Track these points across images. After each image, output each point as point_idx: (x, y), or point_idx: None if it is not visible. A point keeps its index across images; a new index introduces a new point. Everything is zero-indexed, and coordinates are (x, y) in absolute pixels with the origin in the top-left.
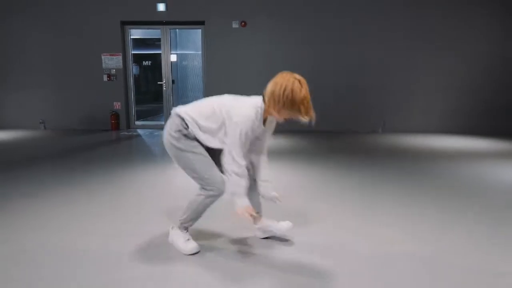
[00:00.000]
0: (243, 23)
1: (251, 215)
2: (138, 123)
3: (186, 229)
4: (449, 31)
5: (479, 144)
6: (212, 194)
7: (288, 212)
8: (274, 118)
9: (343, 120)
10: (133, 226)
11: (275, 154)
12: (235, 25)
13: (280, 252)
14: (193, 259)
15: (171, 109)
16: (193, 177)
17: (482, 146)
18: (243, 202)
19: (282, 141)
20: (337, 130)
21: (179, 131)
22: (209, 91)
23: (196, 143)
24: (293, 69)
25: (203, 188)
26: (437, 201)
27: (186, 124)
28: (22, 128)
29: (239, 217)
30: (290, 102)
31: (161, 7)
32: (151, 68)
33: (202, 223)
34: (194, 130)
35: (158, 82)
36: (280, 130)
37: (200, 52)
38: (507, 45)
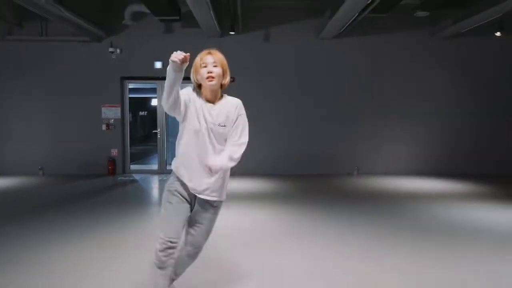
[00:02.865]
0: (231, 79)
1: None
2: (133, 167)
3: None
4: (412, 91)
5: (443, 185)
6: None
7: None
8: (204, 84)
9: (322, 165)
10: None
11: (267, 197)
12: None
13: None
14: None
15: (164, 153)
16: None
17: (445, 187)
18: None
19: (273, 185)
20: (317, 173)
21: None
22: None
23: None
24: (276, 117)
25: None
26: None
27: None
28: (21, 174)
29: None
30: (194, 66)
31: (158, 64)
32: (141, 114)
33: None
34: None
35: (153, 131)
36: (266, 173)
37: None
38: (459, 100)
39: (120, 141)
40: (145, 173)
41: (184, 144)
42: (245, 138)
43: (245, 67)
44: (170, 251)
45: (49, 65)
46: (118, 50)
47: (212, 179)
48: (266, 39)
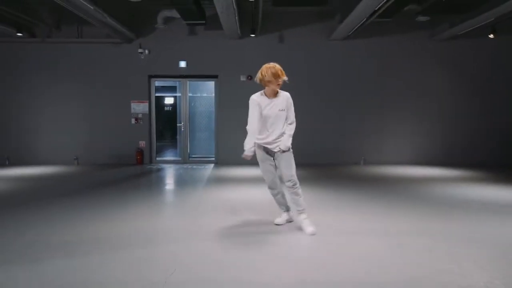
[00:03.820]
0: (249, 77)
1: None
2: (158, 158)
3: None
4: (412, 89)
5: (441, 171)
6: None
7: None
8: (272, 88)
9: (331, 155)
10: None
11: None
12: (242, 78)
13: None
14: None
15: (187, 146)
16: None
17: (444, 173)
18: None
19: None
20: (326, 162)
21: None
22: (221, 128)
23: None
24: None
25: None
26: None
27: None
28: (57, 164)
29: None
30: (272, 74)
31: (182, 64)
32: (165, 111)
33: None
34: None
35: (178, 124)
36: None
37: (208, 95)
38: (457, 97)
39: (147, 134)
40: (170, 163)
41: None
42: (294, 118)
43: (261, 66)
44: (273, 191)
45: (84, 64)
46: (146, 51)
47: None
48: (280, 41)
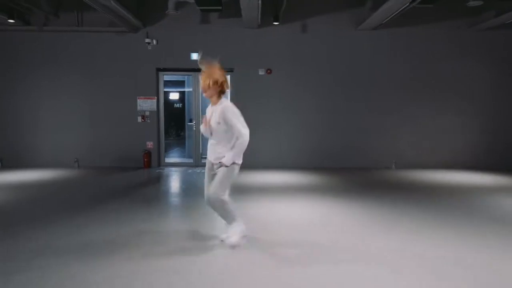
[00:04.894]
0: (268, 71)
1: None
2: (167, 160)
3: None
4: (452, 82)
5: (485, 178)
6: None
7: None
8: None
9: (358, 158)
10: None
11: (317, 190)
12: (261, 72)
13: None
14: None
15: (199, 145)
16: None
17: (489, 180)
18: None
19: (315, 178)
20: (354, 166)
21: None
22: None
23: None
24: (312, 109)
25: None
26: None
27: None
28: (57, 166)
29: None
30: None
31: (194, 56)
32: (171, 108)
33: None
34: None
35: (188, 123)
36: (302, 166)
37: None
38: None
39: (155, 134)
40: (180, 166)
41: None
42: (240, 130)
43: (282, 58)
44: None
45: (85, 56)
46: (154, 41)
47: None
48: (303, 31)
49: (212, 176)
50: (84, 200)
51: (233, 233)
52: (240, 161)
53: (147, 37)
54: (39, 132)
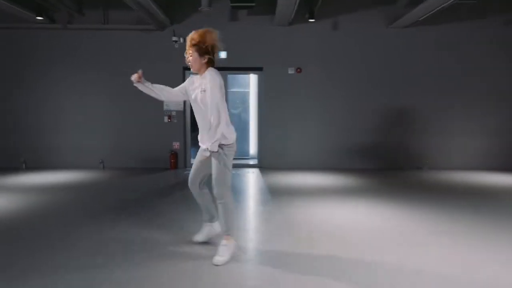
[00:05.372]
0: (298, 70)
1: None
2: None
3: None
4: (482, 78)
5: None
6: None
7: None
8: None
9: (389, 158)
10: None
11: (358, 192)
12: (290, 71)
13: None
14: None
15: None
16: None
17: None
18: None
19: (347, 180)
20: (385, 167)
21: None
22: (265, 128)
23: None
24: (342, 108)
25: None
26: None
27: None
28: (81, 168)
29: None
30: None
31: (222, 54)
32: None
33: None
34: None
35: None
36: (332, 167)
37: (239, 90)
38: None
39: (181, 134)
40: None
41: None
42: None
43: (312, 56)
44: (191, 189)
45: (109, 54)
46: (181, 39)
47: None
48: (334, 28)
49: (203, 160)
50: (124, 201)
51: (223, 252)
52: (228, 141)
53: (174, 35)
54: (62, 132)
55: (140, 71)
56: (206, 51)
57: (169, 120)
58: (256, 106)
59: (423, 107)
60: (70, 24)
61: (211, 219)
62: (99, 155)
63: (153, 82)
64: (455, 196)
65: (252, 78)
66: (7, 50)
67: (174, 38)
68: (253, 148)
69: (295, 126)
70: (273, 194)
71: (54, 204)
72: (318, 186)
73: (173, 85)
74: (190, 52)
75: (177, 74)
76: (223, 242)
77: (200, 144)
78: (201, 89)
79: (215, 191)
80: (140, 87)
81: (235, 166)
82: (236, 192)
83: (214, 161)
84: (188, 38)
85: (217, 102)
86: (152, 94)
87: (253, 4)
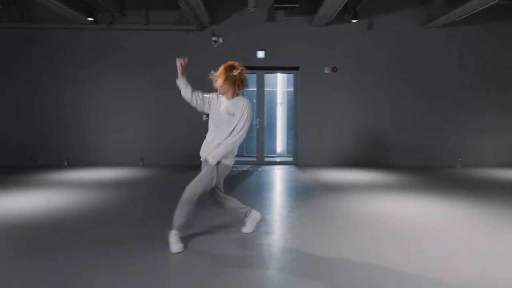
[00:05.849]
0: (334, 69)
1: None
2: None
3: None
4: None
5: None
6: None
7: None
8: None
9: (422, 156)
10: None
11: (405, 189)
12: (326, 70)
13: None
14: None
15: (263, 144)
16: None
17: None
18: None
19: (387, 177)
20: (418, 165)
21: None
22: (302, 126)
23: None
24: (377, 107)
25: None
26: None
27: None
28: (121, 165)
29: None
30: None
31: (260, 54)
32: None
33: None
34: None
35: (253, 121)
36: (366, 164)
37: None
38: None
39: None
40: (243, 164)
41: None
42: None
43: (348, 56)
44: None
45: (149, 54)
46: (220, 39)
47: None
48: (369, 28)
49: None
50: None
51: (172, 240)
52: (229, 162)
53: (213, 35)
54: (103, 131)
55: (186, 59)
56: (241, 81)
57: (207, 118)
58: (285, 105)
59: (458, 105)
60: (113, 24)
61: (246, 214)
62: (139, 152)
63: (191, 81)
64: (504, 192)
65: (280, 78)
66: (50, 50)
67: (214, 38)
68: (279, 146)
69: (330, 124)
70: (326, 190)
71: (128, 197)
72: (364, 182)
73: (211, 84)
74: (225, 77)
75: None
76: (174, 232)
77: (201, 153)
78: (228, 111)
79: (187, 191)
80: (180, 71)
81: (266, 163)
82: (292, 188)
83: (205, 170)
84: (221, 68)
85: (245, 130)
86: (182, 86)
87: (297, 5)
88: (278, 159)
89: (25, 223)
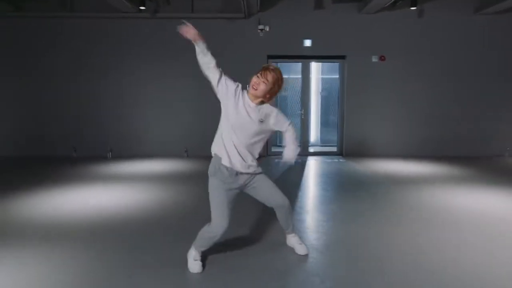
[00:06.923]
0: (382, 57)
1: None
2: (273, 149)
3: (199, 251)
4: None
5: None
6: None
7: None
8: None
9: (469, 146)
10: None
11: (464, 181)
12: (374, 59)
13: None
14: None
15: (307, 134)
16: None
17: None
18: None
19: (440, 168)
20: (465, 155)
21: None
22: (349, 116)
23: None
24: (425, 96)
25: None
26: None
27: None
28: (165, 156)
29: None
30: None
31: (307, 42)
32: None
33: None
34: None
35: (298, 111)
36: (415, 155)
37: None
38: None
39: None
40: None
41: None
42: None
43: (396, 44)
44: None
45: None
46: (267, 28)
47: None
48: (420, 16)
49: (235, 193)
50: None
51: (298, 242)
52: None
53: (260, 23)
54: (147, 122)
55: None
56: (275, 92)
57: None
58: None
59: (506, 94)
60: (157, 13)
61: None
62: (183, 143)
63: (236, 70)
64: None
65: (314, 65)
66: (93, 39)
67: (260, 27)
68: (313, 135)
69: (378, 114)
70: (388, 183)
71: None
72: (420, 174)
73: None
74: (266, 83)
75: (261, 62)
76: (293, 234)
77: (237, 167)
78: (259, 119)
79: (281, 201)
80: (195, 37)
81: (310, 154)
82: (358, 182)
83: (267, 180)
84: (273, 76)
85: (291, 123)
86: (201, 52)
87: None
88: (320, 150)
89: (134, 217)
